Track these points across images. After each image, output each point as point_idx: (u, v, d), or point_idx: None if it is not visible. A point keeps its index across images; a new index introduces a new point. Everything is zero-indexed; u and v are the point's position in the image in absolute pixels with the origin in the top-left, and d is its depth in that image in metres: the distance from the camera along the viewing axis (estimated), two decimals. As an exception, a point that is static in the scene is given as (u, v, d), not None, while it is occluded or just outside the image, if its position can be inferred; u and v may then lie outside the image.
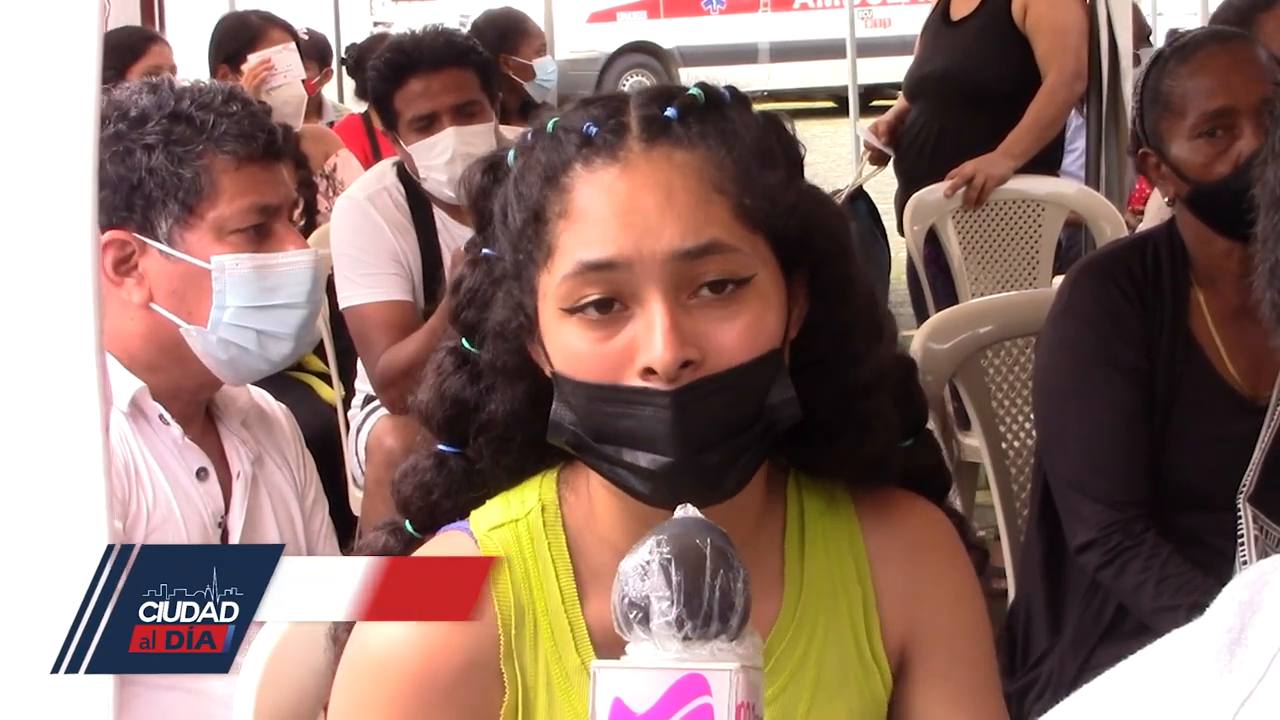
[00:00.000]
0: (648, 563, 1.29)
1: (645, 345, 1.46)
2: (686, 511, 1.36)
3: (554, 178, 1.52)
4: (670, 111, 1.53)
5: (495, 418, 1.61)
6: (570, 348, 1.50)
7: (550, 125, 1.55)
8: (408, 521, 1.67)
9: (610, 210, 1.49)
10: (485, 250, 1.61)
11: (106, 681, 1.21)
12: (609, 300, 1.48)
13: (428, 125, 4.09)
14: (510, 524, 1.60)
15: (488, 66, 4.27)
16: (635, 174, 1.50)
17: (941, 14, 5.62)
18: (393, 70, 4.14)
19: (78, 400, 1.23)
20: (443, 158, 4.07)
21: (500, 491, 1.63)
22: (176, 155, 2.31)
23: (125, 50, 5.32)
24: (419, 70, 4.11)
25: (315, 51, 7.74)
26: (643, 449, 1.47)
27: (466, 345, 1.62)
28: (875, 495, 1.68)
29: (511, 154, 1.58)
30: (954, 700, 1.65)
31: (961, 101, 5.41)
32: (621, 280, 1.48)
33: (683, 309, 1.47)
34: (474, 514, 1.62)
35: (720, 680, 1.26)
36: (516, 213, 1.54)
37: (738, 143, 1.53)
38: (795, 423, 1.52)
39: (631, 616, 1.29)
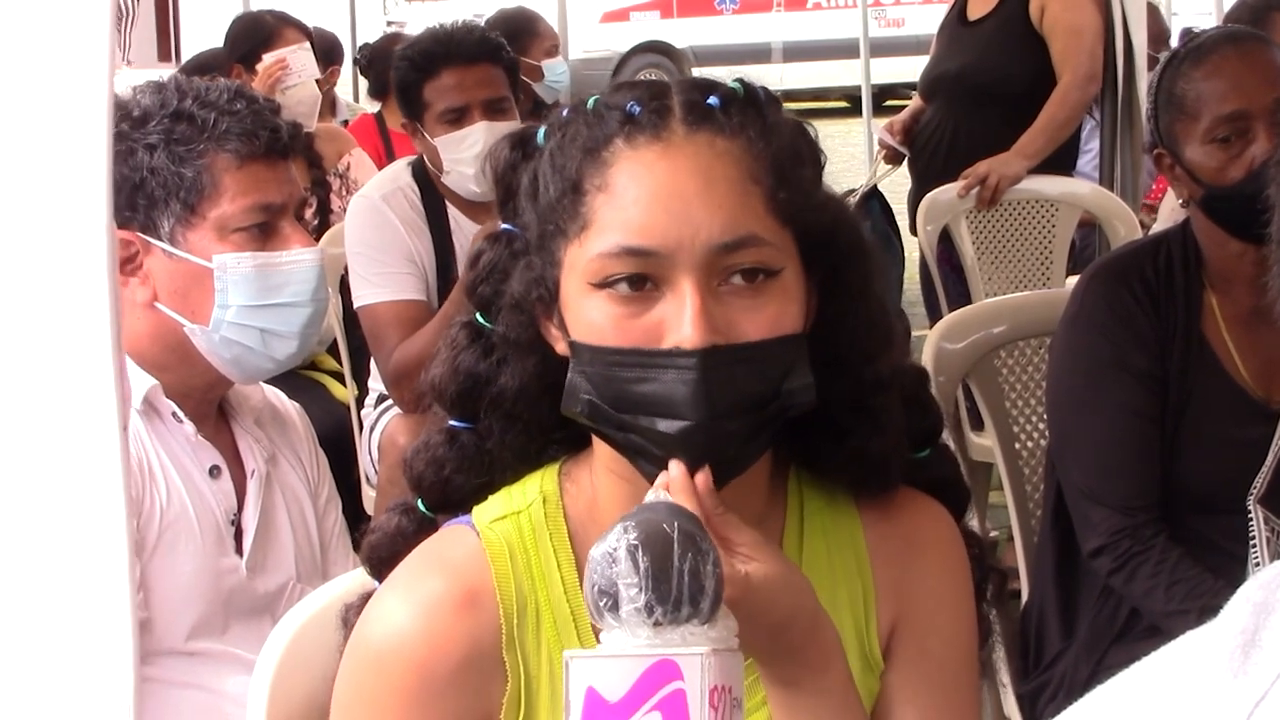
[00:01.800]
0: (615, 549, 1.29)
1: (674, 326, 1.48)
2: (657, 496, 1.35)
3: (595, 151, 1.53)
4: (713, 100, 1.55)
5: (506, 392, 1.62)
6: (594, 321, 1.51)
7: (591, 103, 1.57)
8: (419, 500, 1.67)
9: (651, 192, 1.50)
10: (505, 226, 1.62)
11: (127, 681, 1.21)
12: (641, 279, 1.49)
13: (458, 118, 4.09)
14: (512, 516, 1.61)
15: (515, 67, 4.29)
16: (678, 156, 1.51)
17: (958, 14, 5.61)
18: (427, 60, 4.14)
19: (96, 400, 1.23)
20: (472, 150, 4.07)
21: (506, 475, 1.64)
22: (178, 155, 2.31)
23: (257, 36, 5.38)
24: (453, 62, 4.11)
25: (323, 50, 7.73)
26: (661, 414, 1.47)
27: (481, 320, 1.63)
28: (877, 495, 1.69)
29: (541, 131, 1.60)
30: (912, 691, 1.64)
31: (977, 101, 5.41)
32: (657, 264, 1.49)
33: (713, 295, 1.49)
34: (476, 508, 1.63)
35: (691, 665, 1.26)
36: (551, 184, 1.55)
37: (775, 137, 1.56)
38: (808, 410, 1.53)
39: (602, 604, 1.29)
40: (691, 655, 1.26)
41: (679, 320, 1.47)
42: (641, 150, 1.52)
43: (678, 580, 1.27)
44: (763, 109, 1.57)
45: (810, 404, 1.52)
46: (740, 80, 1.59)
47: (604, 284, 1.50)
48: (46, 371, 1.24)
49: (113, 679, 1.25)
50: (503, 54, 4.22)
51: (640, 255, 1.49)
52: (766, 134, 1.55)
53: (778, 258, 1.51)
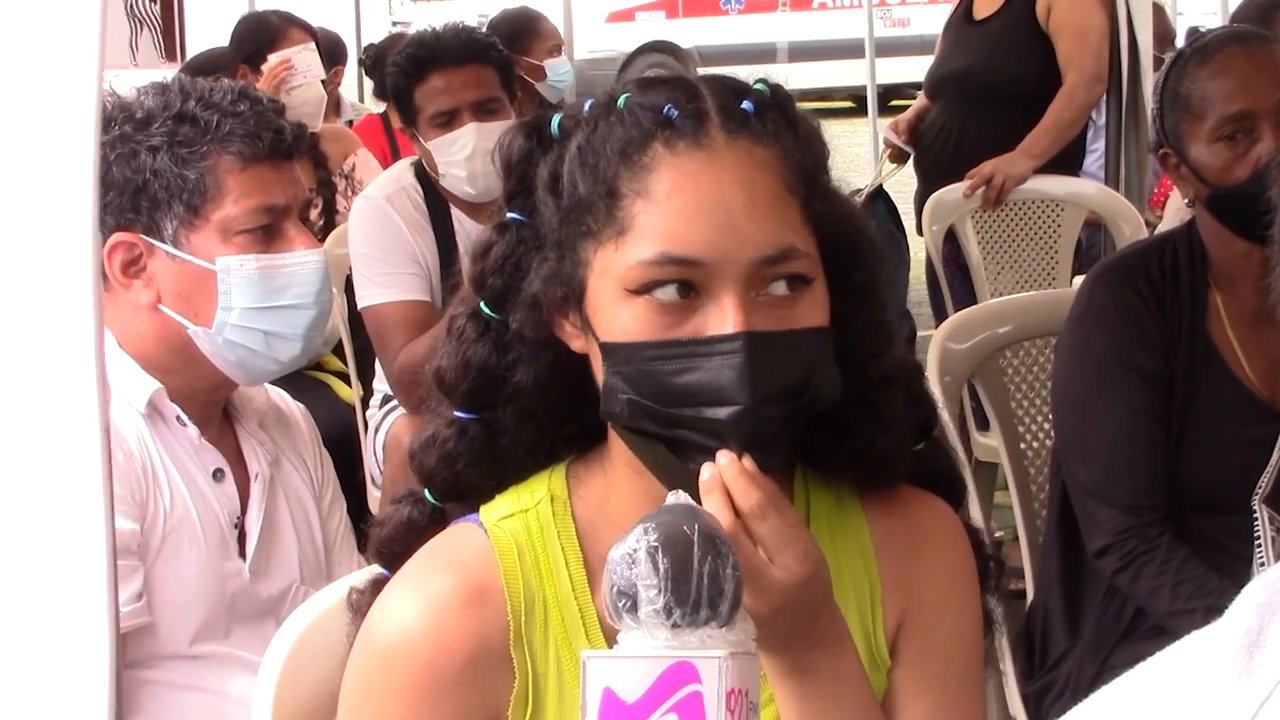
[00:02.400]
0: (635, 550, 1.29)
1: (715, 330, 1.48)
2: (678, 498, 1.35)
3: (631, 155, 1.52)
4: (747, 105, 1.54)
5: (522, 388, 1.60)
6: (629, 327, 1.50)
7: (622, 101, 1.55)
8: (427, 491, 1.67)
9: (696, 202, 1.50)
10: (512, 215, 1.60)
11: (104, 685, 1.21)
12: (683, 287, 1.49)
13: (448, 121, 4.09)
14: (520, 514, 1.61)
15: (508, 65, 4.28)
16: (721, 166, 1.51)
17: (964, 13, 5.60)
18: (414, 65, 4.14)
19: (77, 402, 1.23)
20: (462, 153, 4.08)
21: (517, 474, 1.64)
22: (181, 156, 2.30)
23: (262, 36, 5.38)
24: (441, 66, 4.11)
25: (328, 50, 7.73)
26: (708, 402, 1.47)
27: (487, 311, 1.61)
28: (882, 490, 1.69)
29: (555, 121, 1.58)
30: (919, 687, 1.64)
31: (983, 101, 5.40)
32: (699, 274, 1.49)
33: (752, 305, 1.49)
34: (484, 507, 1.63)
35: (709, 668, 1.26)
36: (580, 183, 1.54)
37: (808, 145, 1.57)
38: (832, 403, 1.53)
39: (620, 605, 1.29)
40: (709, 658, 1.26)
41: (722, 331, 1.48)
42: (682, 157, 1.51)
43: (697, 582, 1.28)
44: (789, 112, 1.58)
45: (836, 396, 1.53)
46: (764, 81, 1.59)
47: (642, 290, 1.49)
48: (28, 372, 1.23)
49: (91, 684, 1.24)
50: (492, 53, 4.20)
51: (684, 264, 1.48)
52: (800, 142, 1.56)
53: (812, 267, 1.53)
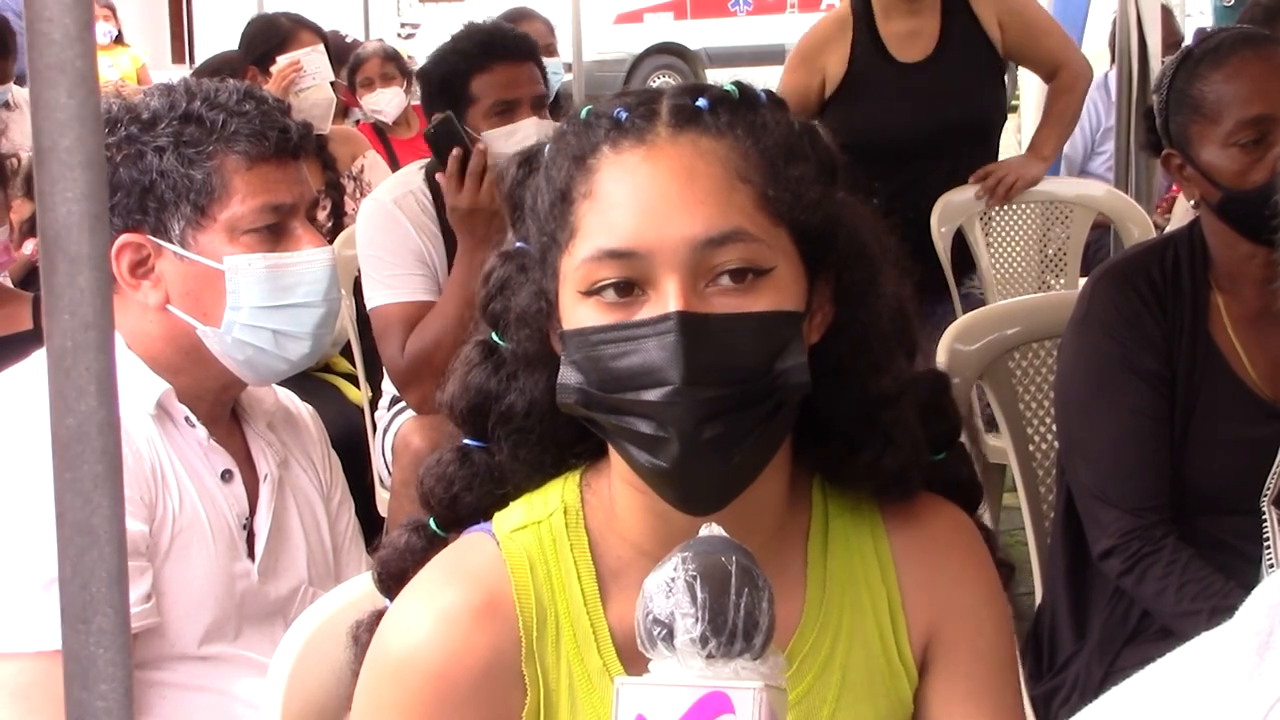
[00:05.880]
0: (673, 580, 1.29)
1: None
2: (712, 530, 1.36)
3: (582, 159, 1.53)
4: (701, 102, 1.54)
5: (515, 408, 1.61)
6: (585, 327, 1.50)
7: (584, 113, 1.57)
8: (431, 519, 1.67)
9: (633, 194, 1.50)
10: (518, 244, 1.62)
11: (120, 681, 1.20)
12: (627, 284, 1.49)
13: (508, 111, 4.10)
14: (533, 525, 1.60)
15: (544, 70, 4.32)
16: (660, 157, 1.51)
17: (882, 58, 5.07)
18: (481, 52, 4.13)
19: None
20: (524, 144, 4.07)
21: (521, 488, 1.64)
22: (187, 157, 2.30)
23: (272, 39, 5.37)
24: (507, 58, 4.12)
25: (337, 52, 7.72)
26: (646, 385, 1.46)
27: (494, 338, 1.63)
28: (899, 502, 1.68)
29: (547, 148, 1.60)
30: (975, 699, 1.65)
31: (983, 141, 5.20)
32: (640, 266, 1.48)
33: (699, 296, 1.48)
34: (496, 516, 1.63)
35: (744, 699, 1.27)
36: (545, 196, 1.56)
37: (766, 135, 1.54)
38: (803, 393, 1.51)
39: (656, 633, 1.29)
40: (744, 689, 1.27)
41: (662, 310, 1.47)
42: (625, 154, 1.52)
43: (734, 614, 1.29)
44: (758, 109, 1.56)
45: (804, 386, 1.50)
46: (737, 83, 1.58)
47: (591, 291, 1.50)
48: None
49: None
50: (540, 55, 4.26)
51: (622, 257, 1.48)
52: (756, 132, 1.53)
53: (768, 255, 1.50)
